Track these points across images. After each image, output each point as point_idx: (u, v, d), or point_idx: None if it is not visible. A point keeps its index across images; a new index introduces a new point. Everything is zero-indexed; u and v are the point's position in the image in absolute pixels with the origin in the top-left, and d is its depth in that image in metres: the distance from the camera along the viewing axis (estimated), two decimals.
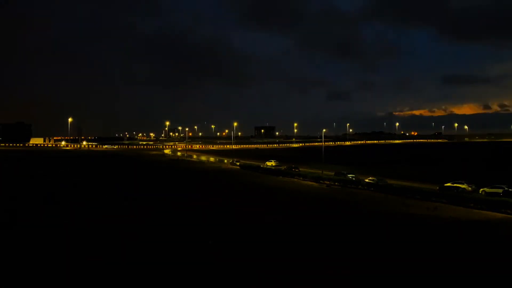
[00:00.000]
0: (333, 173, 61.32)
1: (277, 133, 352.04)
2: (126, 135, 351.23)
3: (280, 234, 25.98)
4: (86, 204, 35.78)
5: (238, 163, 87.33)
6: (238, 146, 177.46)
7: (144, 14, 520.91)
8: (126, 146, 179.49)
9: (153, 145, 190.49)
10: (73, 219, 28.82)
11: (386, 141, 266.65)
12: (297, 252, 21.79)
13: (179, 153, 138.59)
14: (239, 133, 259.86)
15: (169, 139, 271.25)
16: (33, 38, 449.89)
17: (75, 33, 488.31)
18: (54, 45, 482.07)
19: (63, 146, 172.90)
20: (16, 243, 22.00)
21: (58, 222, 27.70)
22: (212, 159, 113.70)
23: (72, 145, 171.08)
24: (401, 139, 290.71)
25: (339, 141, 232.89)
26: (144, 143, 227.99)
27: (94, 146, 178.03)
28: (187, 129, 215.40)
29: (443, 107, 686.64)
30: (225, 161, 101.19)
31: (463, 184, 47.40)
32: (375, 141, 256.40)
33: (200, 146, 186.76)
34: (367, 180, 53.12)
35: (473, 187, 47.05)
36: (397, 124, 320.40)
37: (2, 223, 26.08)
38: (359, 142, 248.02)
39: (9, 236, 23.53)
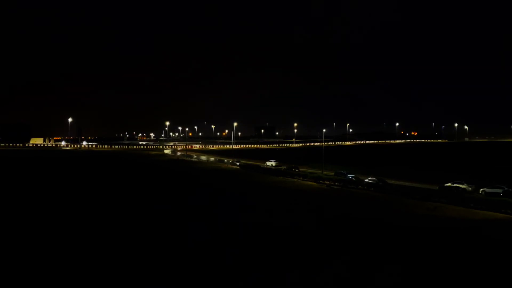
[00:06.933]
0: (333, 173, 61.22)
1: (277, 133, 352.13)
2: (126, 135, 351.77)
3: (277, 232, 26.02)
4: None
5: (238, 163, 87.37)
6: (238, 146, 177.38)
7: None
8: (126, 146, 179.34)
9: (153, 145, 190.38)
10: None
11: (386, 141, 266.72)
12: (295, 249, 21.83)
13: (179, 153, 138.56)
14: (239, 133, 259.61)
15: (169, 139, 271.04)
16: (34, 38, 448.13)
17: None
18: (54, 44, 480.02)
19: (63, 146, 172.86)
20: None
21: None
22: (212, 159, 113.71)
23: (72, 145, 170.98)
24: (401, 139, 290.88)
25: (339, 141, 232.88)
26: (144, 143, 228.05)
27: (94, 146, 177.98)
28: (187, 129, 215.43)
29: None
30: (225, 161, 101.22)
31: (463, 184, 47.40)
32: (375, 141, 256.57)
33: (200, 146, 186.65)
34: (367, 180, 53.07)
35: (473, 187, 47.07)
36: (397, 124, 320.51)
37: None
38: (359, 142, 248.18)
39: None
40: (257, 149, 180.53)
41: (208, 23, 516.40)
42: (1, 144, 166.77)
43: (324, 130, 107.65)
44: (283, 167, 74.15)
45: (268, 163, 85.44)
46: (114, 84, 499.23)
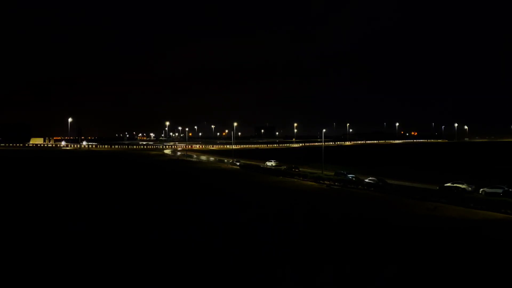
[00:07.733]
0: (333, 173, 61.20)
1: (277, 133, 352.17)
2: (126, 135, 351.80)
3: (275, 232, 26.02)
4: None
5: (238, 163, 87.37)
6: (238, 146, 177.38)
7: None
8: (126, 146, 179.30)
9: (153, 145, 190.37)
10: None
11: (386, 141, 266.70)
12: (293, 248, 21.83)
13: (179, 153, 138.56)
14: (239, 133, 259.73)
15: (169, 139, 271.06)
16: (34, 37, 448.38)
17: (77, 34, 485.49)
18: (56, 44, 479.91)
19: (63, 146, 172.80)
20: None
21: None
22: (212, 159, 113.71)
23: (72, 145, 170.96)
24: (401, 139, 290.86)
25: (339, 141, 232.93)
26: (144, 143, 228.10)
27: (94, 146, 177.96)
28: (187, 129, 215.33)
29: None
30: (225, 161, 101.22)
31: (463, 184, 47.41)
32: (375, 141, 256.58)
33: (200, 146, 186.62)
34: (367, 180, 53.08)
35: (473, 187, 47.09)
36: (397, 124, 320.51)
37: None
38: (359, 142, 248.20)
39: None
40: (257, 149, 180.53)
41: (208, 23, 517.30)
42: (1, 144, 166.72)
43: (324, 130, 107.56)
44: (283, 167, 74.17)
45: (268, 163, 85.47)
46: (114, 84, 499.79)
